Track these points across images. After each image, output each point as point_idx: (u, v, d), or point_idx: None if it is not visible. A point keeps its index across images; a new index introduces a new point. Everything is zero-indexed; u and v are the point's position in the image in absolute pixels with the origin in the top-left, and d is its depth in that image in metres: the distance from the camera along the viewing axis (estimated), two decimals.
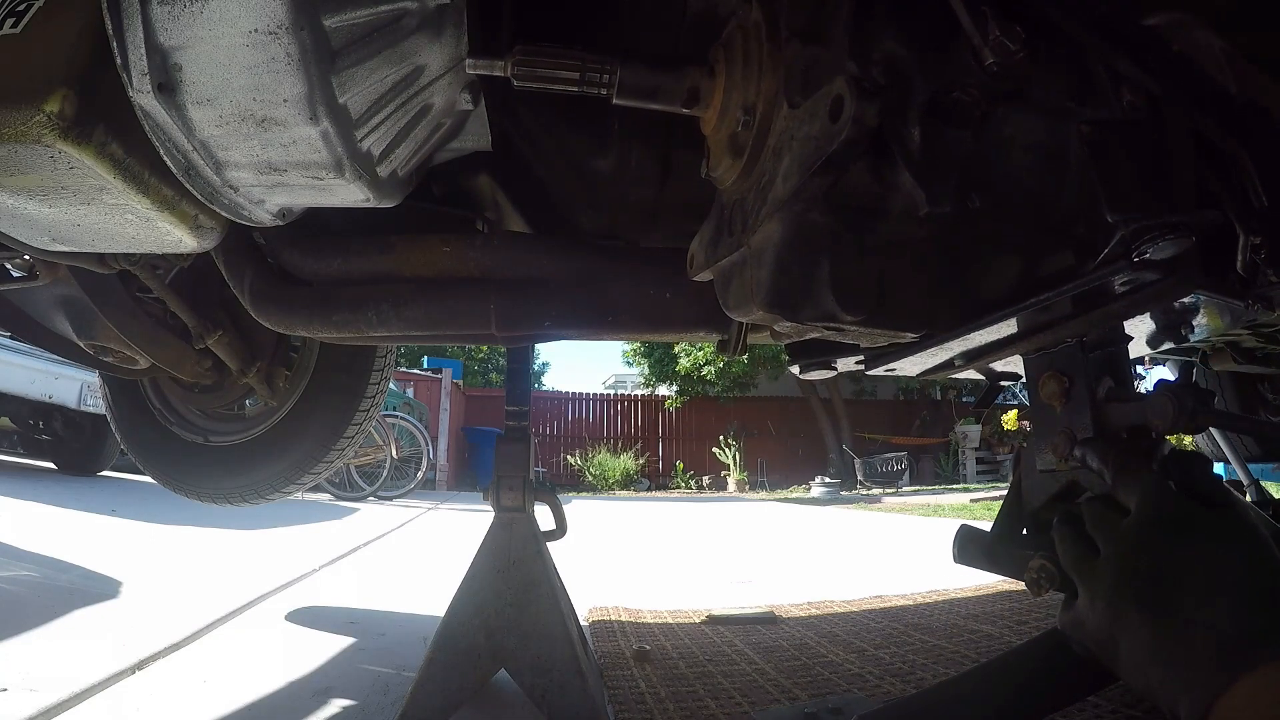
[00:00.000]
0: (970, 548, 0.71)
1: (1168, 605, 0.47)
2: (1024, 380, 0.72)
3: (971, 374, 0.83)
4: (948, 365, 0.77)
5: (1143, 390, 0.61)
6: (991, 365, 0.79)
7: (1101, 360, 0.62)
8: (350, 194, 0.77)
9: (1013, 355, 0.69)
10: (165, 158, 0.69)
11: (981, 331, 0.63)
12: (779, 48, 0.63)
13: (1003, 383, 0.85)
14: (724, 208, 0.72)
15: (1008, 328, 0.64)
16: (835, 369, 0.86)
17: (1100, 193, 0.53)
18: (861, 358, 0.81)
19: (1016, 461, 0.73)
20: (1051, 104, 0.57)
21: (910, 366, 0.80)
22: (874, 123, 0.52)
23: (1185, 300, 0.60)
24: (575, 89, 0.71)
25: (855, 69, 0.55)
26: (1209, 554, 0.48)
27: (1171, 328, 0.67)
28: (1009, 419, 10.88)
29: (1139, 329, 0.67)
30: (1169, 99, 0.53)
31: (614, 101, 0.72)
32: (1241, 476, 2.19)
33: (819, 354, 0.84)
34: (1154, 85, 0.53)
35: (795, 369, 0.87)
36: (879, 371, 0.83)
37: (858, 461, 10.80)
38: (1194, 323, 0.67)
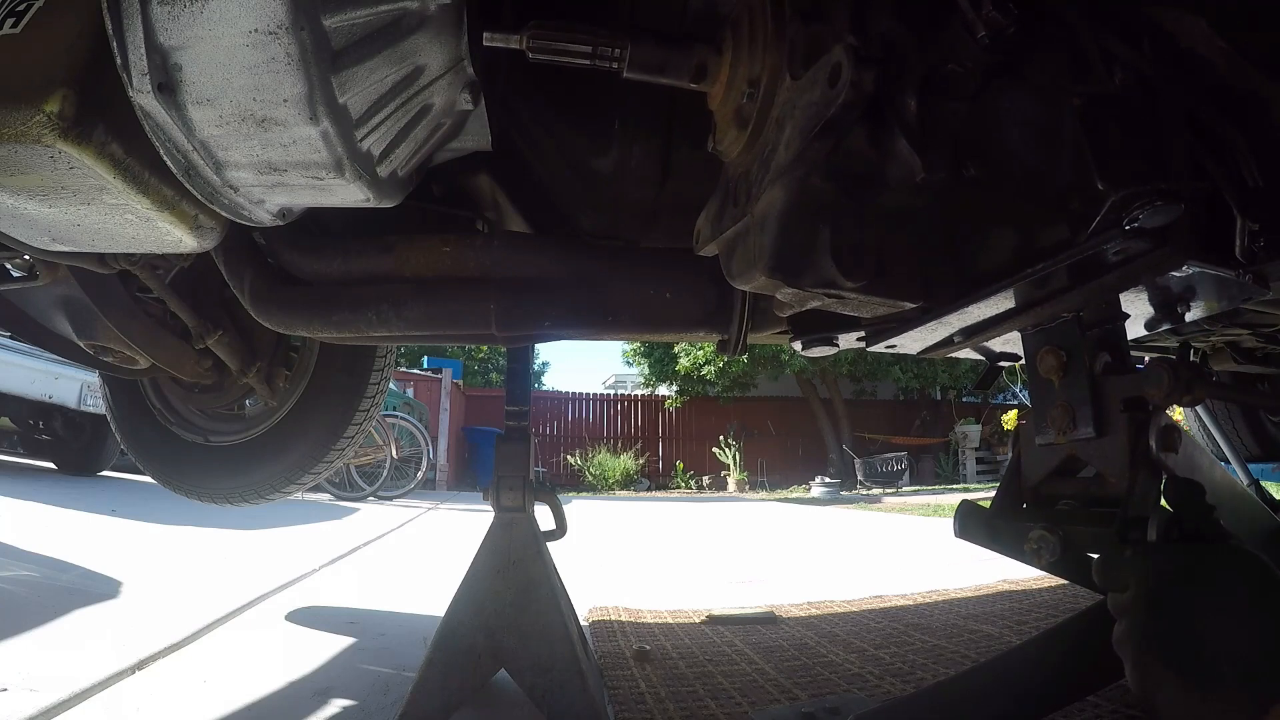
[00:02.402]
0: (971, 523, 0.72)
1: (1186, 652, 0.48)
2: (1022, 360, 0.73)
3: (971, 354, 0.84)
4: (947, 342, 0.78)
5: None
6: (990, 344, 0.80)
7: (1098, 336, 0.63)
8: (350, 194, 0.77)
9: (1011, 331, 0.70)
10: (165, 158, 0.69)
11: (979, 305, 0.64)
12: (783, 25, 0.66)
13: (1002, 363, 0.86)
14: (729, 181, 0.75)
15: (1005, 301, 0.65)
16: (837, 345, 0.87)
17: (1092, 163, 0.53)
18: (862, 333, 0.82)
19: (1016, 438, 0.74)
20: (1045, 79, 0.58)
21: (910, 343, 0.80)
22: (870, 88, 0.54)
23: (1180, 275, 0.60)
24: (587, 62, 0.73)
25: (854, 40, 0.57)
26: (1210, 595, 0.49)
27: (1168, 305, 0.68)
28: (1009, 419, 10.86)
29: (1137, 309, 0.68)
30: (1164, 80, 0.54)
31: (624, 76, 0.74)
32: (1241, 476, 2.19)
33: (820, 329, 0.85)
34: (1148, 66, 0.54)
35: (797, 345, 0.88)
36: (879, 348, 0.84)
37: (858, 461, 10.80)
38: (1190, 301, 0.68)
